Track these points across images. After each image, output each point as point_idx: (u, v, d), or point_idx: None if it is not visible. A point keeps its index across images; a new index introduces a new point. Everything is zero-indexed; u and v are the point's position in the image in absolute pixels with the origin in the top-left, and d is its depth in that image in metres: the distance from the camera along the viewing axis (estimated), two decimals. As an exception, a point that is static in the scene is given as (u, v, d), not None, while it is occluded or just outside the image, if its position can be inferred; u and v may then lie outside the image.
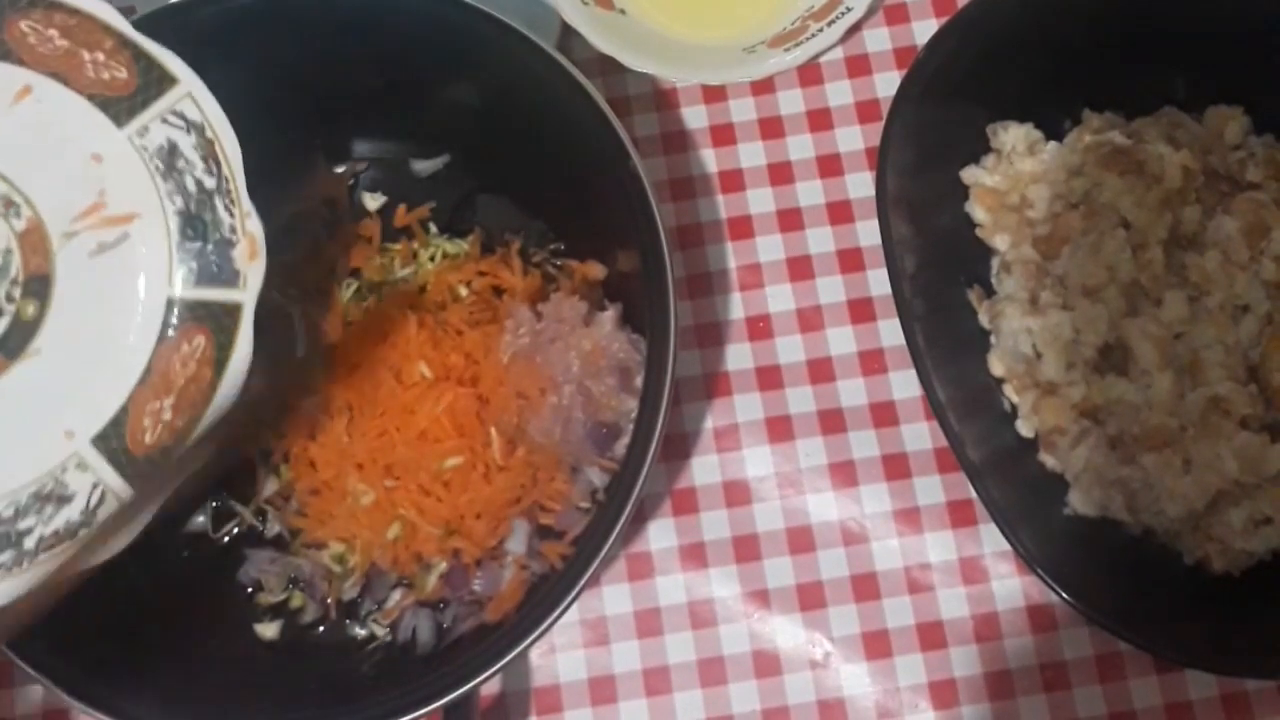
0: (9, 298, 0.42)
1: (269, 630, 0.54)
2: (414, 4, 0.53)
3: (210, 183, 0.42)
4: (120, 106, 0.42)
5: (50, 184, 0.42)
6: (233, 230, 0.42)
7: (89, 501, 0.41)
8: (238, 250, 0.42)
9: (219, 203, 0.42)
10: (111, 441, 0.41)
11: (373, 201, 0.59)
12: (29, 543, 0.41)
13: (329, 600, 0.54)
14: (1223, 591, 0.51)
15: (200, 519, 0.55)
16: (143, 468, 0.41)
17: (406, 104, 0.57)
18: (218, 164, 0.42)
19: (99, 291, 0.42)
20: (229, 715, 0.49)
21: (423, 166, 0.60)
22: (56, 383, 0.42)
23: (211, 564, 0.55)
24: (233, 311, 0.41)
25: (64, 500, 0.41)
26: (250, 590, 0.55)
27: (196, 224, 0.41)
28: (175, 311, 0.41)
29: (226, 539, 0.55)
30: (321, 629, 0.54)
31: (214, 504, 0.55)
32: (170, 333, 0.41)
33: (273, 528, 0.55)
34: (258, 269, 0.42)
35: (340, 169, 0.60)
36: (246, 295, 0.42)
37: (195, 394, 0.41)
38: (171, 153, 0.42)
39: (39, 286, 0.42)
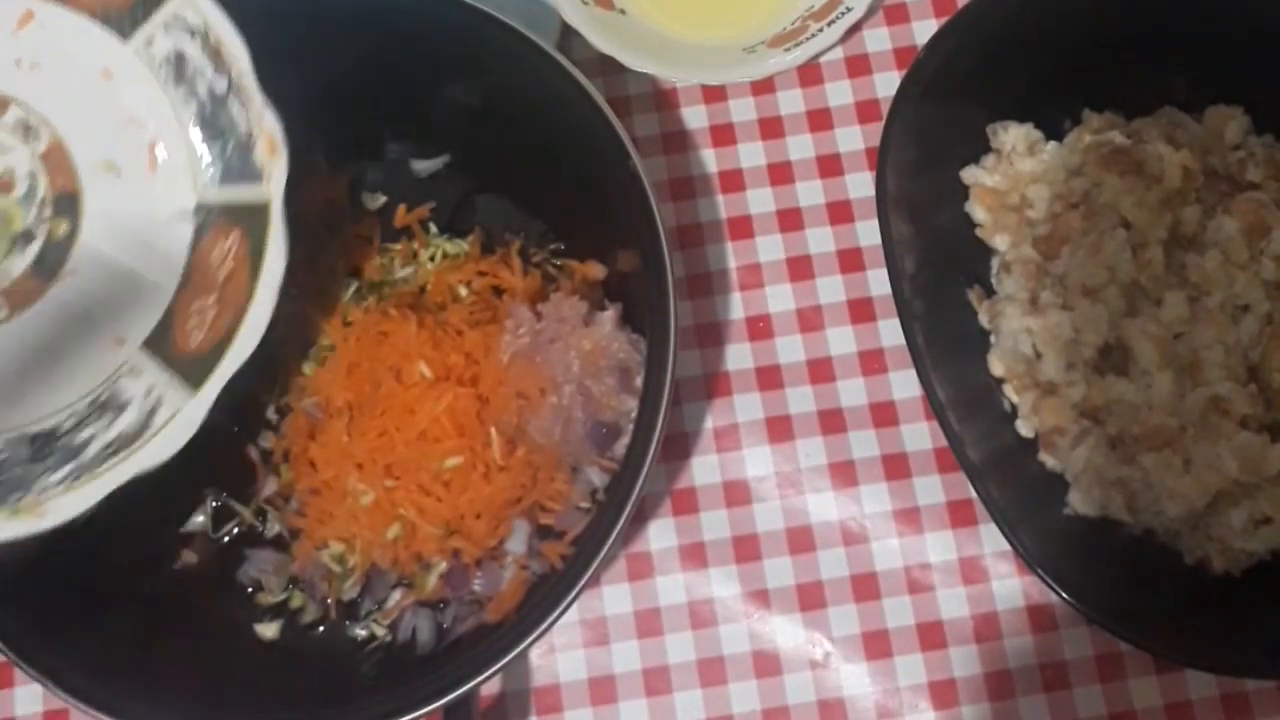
0: (40, 219, 0.43)
1: (269, 630, 0.54)
2: (414, 4, 0.53)
3: (221, 85, 0.42)
4: (123, 20, 0.43)
5: (65, 104, 0.43)
6: (250, 129, 0.42)
7: (145, 406, 0.42)
8: (258, 148, 0.42)
9: (233, 103, 0.43)
10: (161, 344, 0.42)
11: (373, 201, 0.59)
12: (91, 452, 0.42)
13: (329, 600, 0.54)
14: (1223, 591, 0.51)
15: (200, 519, 0.55)
16: (195, 367, 0.42)
17: (406, 104, 0.57)
18: (226, 66, 0.42)
19: (128, 202, 0.43)
20: (229, 715, 0.49)
21: (423, 166, 0.60)
22: (98, 296, 0.43)
23: (211, 564, 0.55)
24: (261, 208, 0.43)
25: (120, 407, 0.42)
26: (250, 590, 0.55)
27: (214, 126, 0.42)
28: (205, 214, 0.42)
29: (226, 539, 0.55)
30: (321, 629, 0.54)
31: (214, 504, 0.55)
32: (203, 235, 0.42)
33: (273, 528, 0.55)
34: (280, 164, 0.43)
35: (340, 169, 0.59)
36: (273, 190, 0.43)
37: (237, 291, 0.42)
38: (179, 60, 0.43)
39: (68, 204, 0.43)
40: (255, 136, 0.42)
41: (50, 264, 0.43)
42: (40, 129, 0.43)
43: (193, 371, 0.42)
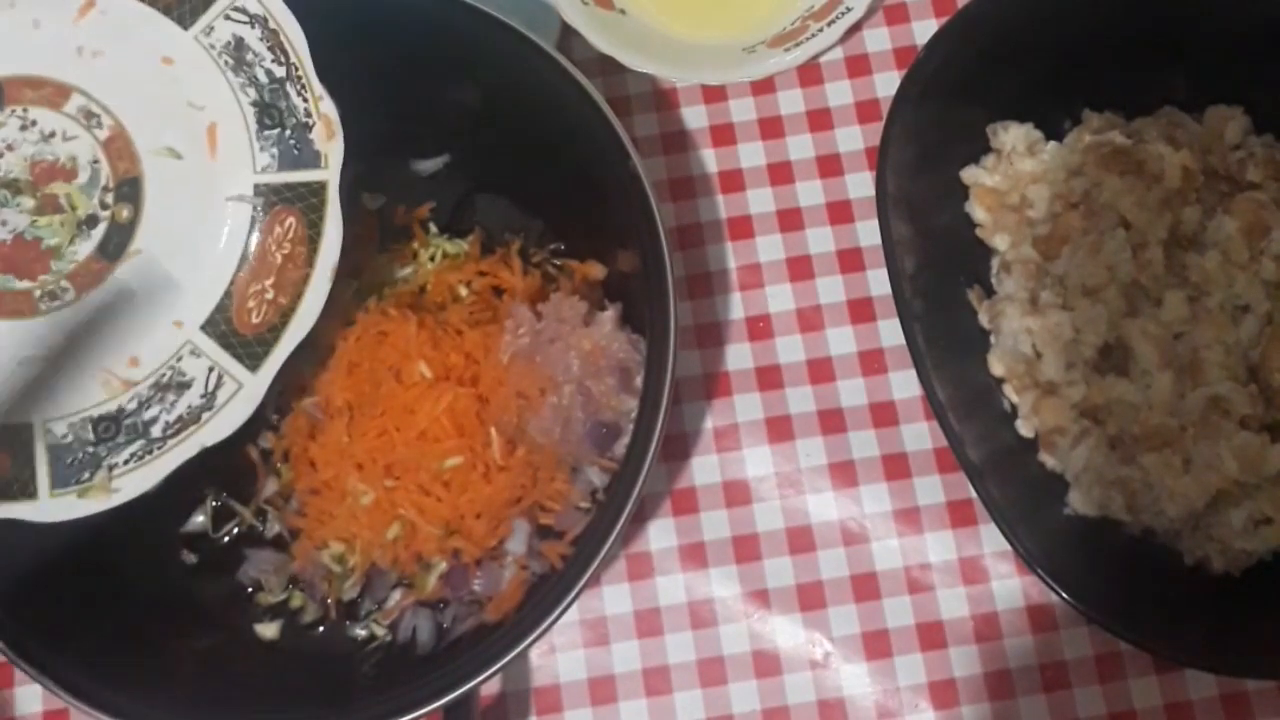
0: (103, 204, 0.44)
1: (269, 630, 0.54)
2: (414, 4, 0.53)
3: (280, 71, 0.44)
4: (183, 8, 0.44)
5: (126, 91, 0.44)
6: (308, 114, 0.44)
7: (207, 384, 0.44)
8: (315, 132, 0.44)
9: (290, 89, 0.44)
10: (220, 326, 0.44)
11: (373, 201, 0.59)
12: (156, 430, 0.44)
13: (329, 600, 0.54)
14: (1223, 591, 0.51)
15: (200, 519, 0.55)
16: (254, 347, 0.43)
17: (406, 104, 0.57)
18: (284, 53, 0.44)
19: (188, 187, 0.44)
20: (229, 715, 0.49)
21: (423, 166, 0.60)
22: (160, 278, 0.45)
23: (211, 564, 0.55)
24: (318, 190, 0.44)
25: (183, 386, 0.44)
26: (250, 590, 0.55)
27: (272, 112, 0.44)
28: (263, 197, 0.44)
29: (226, 539, 0.55)
30: (321, 629, 0.54)
31: (214, 504, 0.55)
32: (262, 217, 0.44)
33: (273, 528, 0.55)
34: (337, 147, 0.45)
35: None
36: (330, 173, 0.45)
37: (294, 272, 0.44)
38: (239, 47, 0.44)
39: (130, 189, 0.44)
40: (313, 121, 0.44)
41: (114, 247, 0.45)
42: (102, 116, 0.44)
43: (251, 351, 0.44)
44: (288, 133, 0.44)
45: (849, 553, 0.56)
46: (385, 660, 0.53)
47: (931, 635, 0.55)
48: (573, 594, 0.46)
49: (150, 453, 0.45)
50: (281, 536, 0.55)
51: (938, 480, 0.57)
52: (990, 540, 0.56)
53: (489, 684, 0.49)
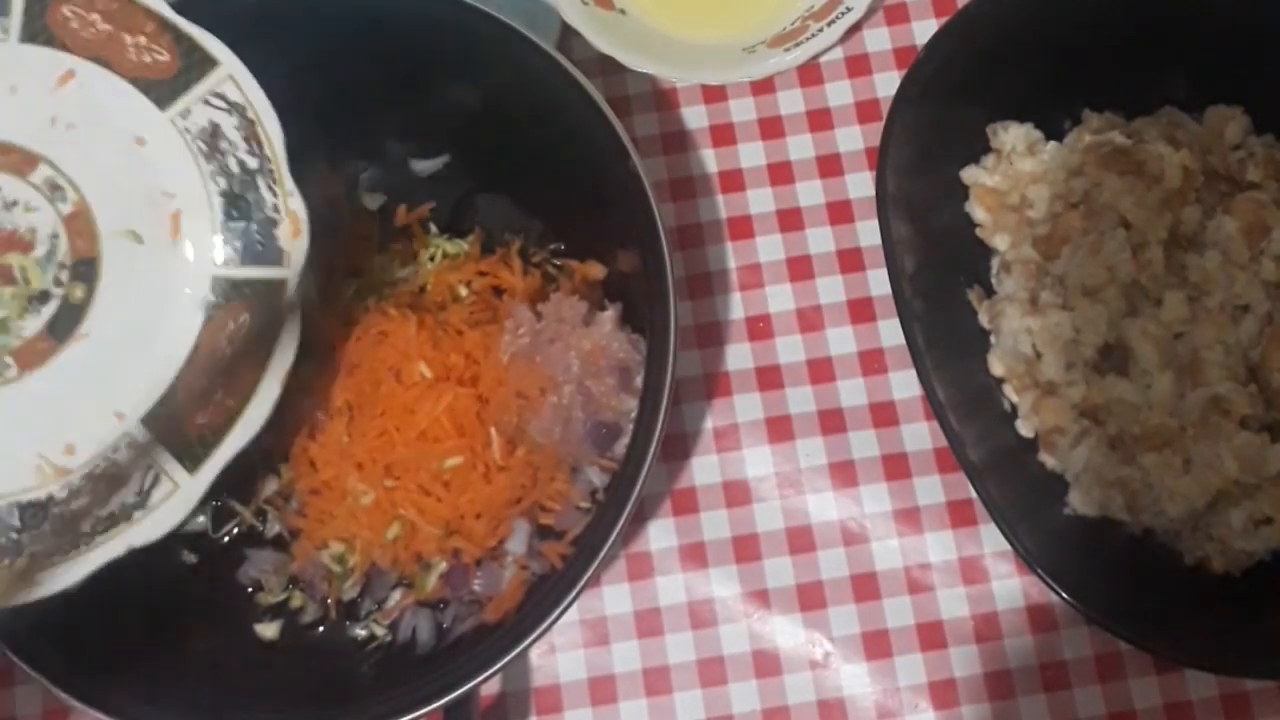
0: (57, 281, 0.42)
1: (269, 630, 0.54)
2: (414, 4, 0.53)
3: (253, 163, 0.42)
4: (162, 89, 0.43)
5: (94, 168, 0.43)
6: (276, 209, 0.42)
7: (144, 482, 0.42)
8: (281, 229, 0.42)
9: (261, 182, 0.42)
10: (162, 421, 0.42)
11: (373, 201, 0.59)
12: (85, 526, 0.42)
13: (329, 600, 0.54)
14: (1223, 591, 0.51)
15: (200, 519, 0.55)
16: (196, 448, 0.42)
17: (406, 104, 0.57)
18: (259, 144, 0.42)
19: (145, 273, 0.42)
20: (229, 715, 0.49)
21: (423, 166, 0.59)
22: (105, 364, 0.42)
23: (211, 564, 0.55)
24: (278, 290, 0.42)
25: (118, 481, 0.42)
26: (250, 590, 0.55)
27: (240, 204, 0.42)
28: (220, 290, 0.42)
29: (226, 539, 0.55)
30: (321, 629, 0.54)
31: (214, 504, 0.55)
32: (216, 312, 0.42)
33: (273, 528, 0.55)
34: (301, 246, 0.42)
35: (340, 169, 0.59)
36: (290, 272, 0.42)
37: (246, 373, 0.42)
38: (214, 134, 0.42)
39: (86, 270, 0.42)
40: (280, 217, 0.42)
41: (63, 327, 0.42)
42: (67, 190, 0.43)
43: (192, 451, 0.42)
44: (254, 226, 0.42)
45: (849, 553, 0.56)
46: (385, 660, 0.53)
47: (931, 635, 0.55)
48: (573, 594, 0.46)
49: (78, 547, 0.42)
50: (281, 536, 0.55)
51: (938, 480, 0.57)
52: (990, 540, 0.56)
53: (489, 684, 0.49)
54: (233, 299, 0.42)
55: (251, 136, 0.42)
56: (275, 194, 0.42)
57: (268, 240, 0.42)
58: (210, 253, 0.42)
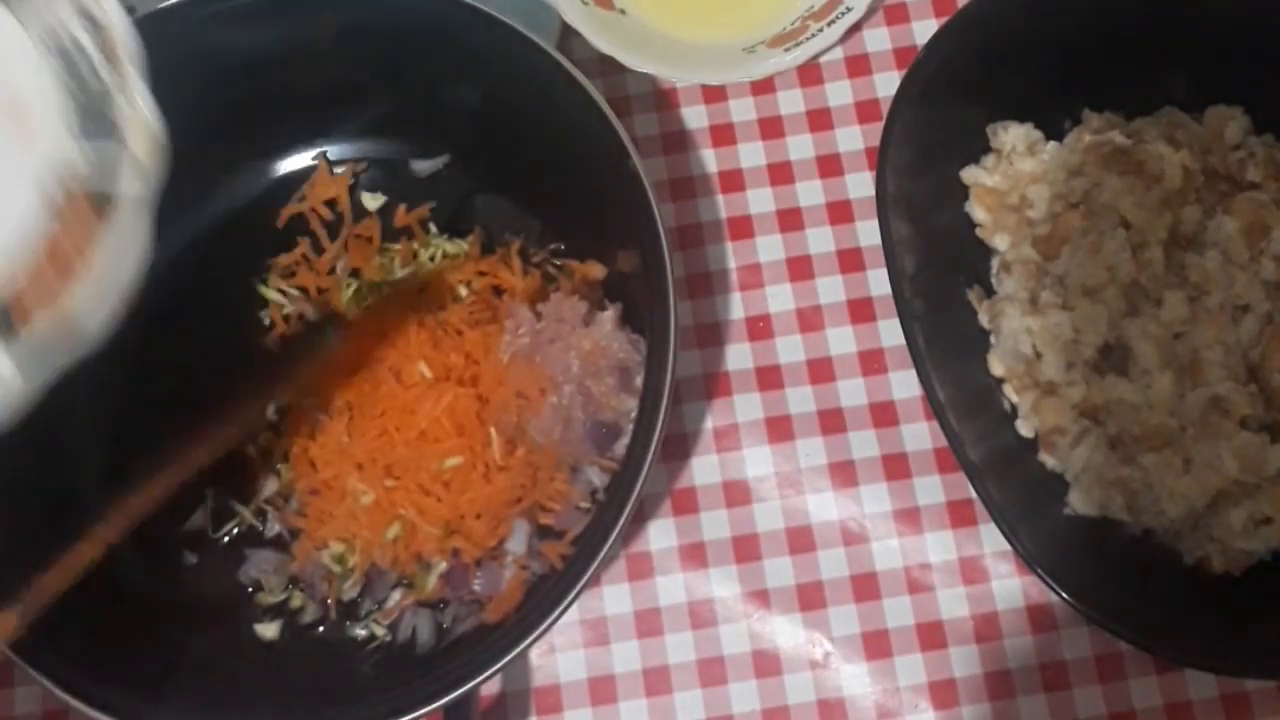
0: None
1: (269, 630, 0.54)
2: (414, 4, 0.53)
3: (106, 73, 0.41)
4: None
5: None
6: (129, 119, 0.41)
7: None
8: (134, 138, 0.41)
9: (116, 94, 0.41)
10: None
11: (373, 201, 0.59)
12: None
13: (329, 600, 0.54)
14: (1223, 591, 0.51)
15: (200, 519, 0.55)
16: (31, 351, 0.40)
17: (406, 104, 0.57)
18: (114, 52, 0.41)
19: None
20: (229, 715, 0.49)
21: (423, 166, 0.59)
22: None
23: (211, 564, 0.55)
24: (135, 203, 0.41)
25: None
26: (250, 590, 0.55)
27: (94, 114, 0.41)
28: (70, 199, 0.41)
29: (226, 539, 0.55)
30: (321, 629, 0.54)
31: (214, 504, 0.55)
32: (64, 218, 0.40)
33: (273, 528, 0.55)
34: (154, 154, 0.41)
35: (340, 169, 0.59)
36: (143, 185, 0.41)
37: (92, 279, 0.40)
38: (66, 40, 0.41)
39: None
40: (133, 125, 0.41)
41: None
42: None
43: (29, 355, 0.41)
44: (105, 132, 0.42)
45: (849, 553, 0.56)
46: (385, 660, 0.53)
47: (931, 635, 0.55)
48: (573, 594, 0.46)
49: None
50: (281, 536, 0.55)
51: (938, 480, 0.57)
52: (990, 540, 0.56)
53: (489, 684, 0.49)
54: (82, 208, 0.41)
55: (106, 44, 0.41)
56: (132, 105, 0.41)
57: (119, 149, 0.41)
58: (61, 159, 0.41)
